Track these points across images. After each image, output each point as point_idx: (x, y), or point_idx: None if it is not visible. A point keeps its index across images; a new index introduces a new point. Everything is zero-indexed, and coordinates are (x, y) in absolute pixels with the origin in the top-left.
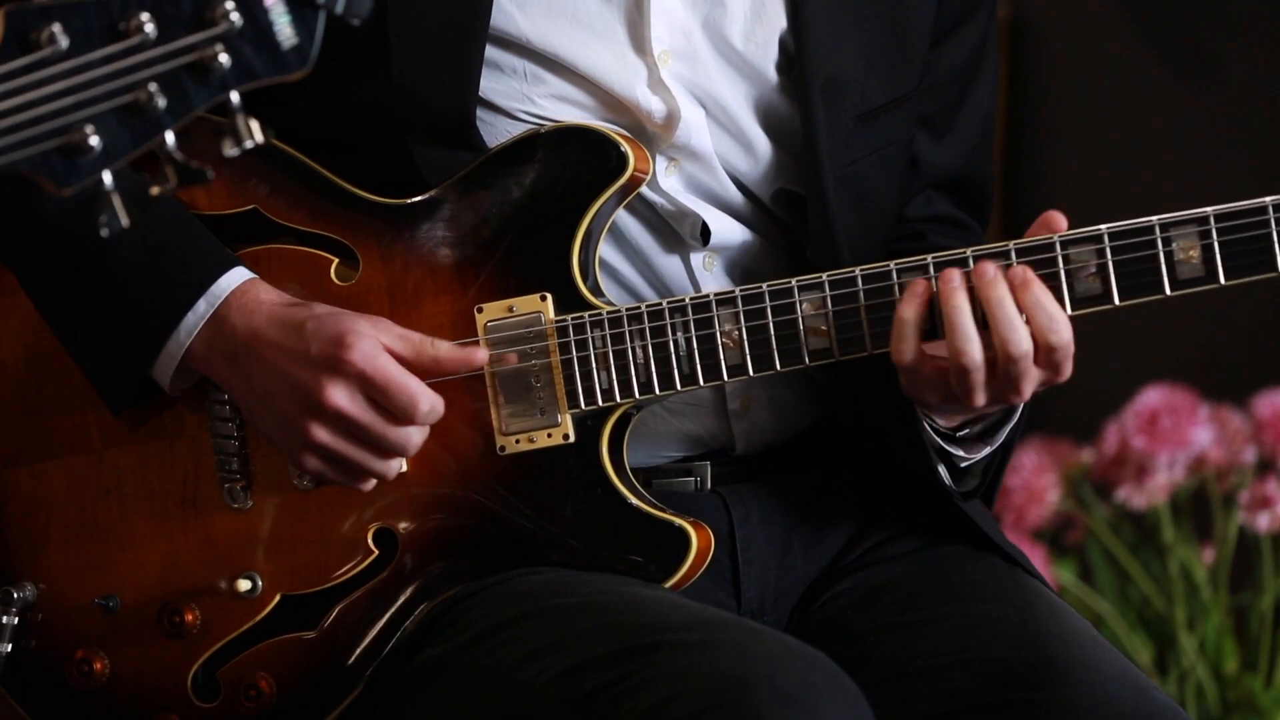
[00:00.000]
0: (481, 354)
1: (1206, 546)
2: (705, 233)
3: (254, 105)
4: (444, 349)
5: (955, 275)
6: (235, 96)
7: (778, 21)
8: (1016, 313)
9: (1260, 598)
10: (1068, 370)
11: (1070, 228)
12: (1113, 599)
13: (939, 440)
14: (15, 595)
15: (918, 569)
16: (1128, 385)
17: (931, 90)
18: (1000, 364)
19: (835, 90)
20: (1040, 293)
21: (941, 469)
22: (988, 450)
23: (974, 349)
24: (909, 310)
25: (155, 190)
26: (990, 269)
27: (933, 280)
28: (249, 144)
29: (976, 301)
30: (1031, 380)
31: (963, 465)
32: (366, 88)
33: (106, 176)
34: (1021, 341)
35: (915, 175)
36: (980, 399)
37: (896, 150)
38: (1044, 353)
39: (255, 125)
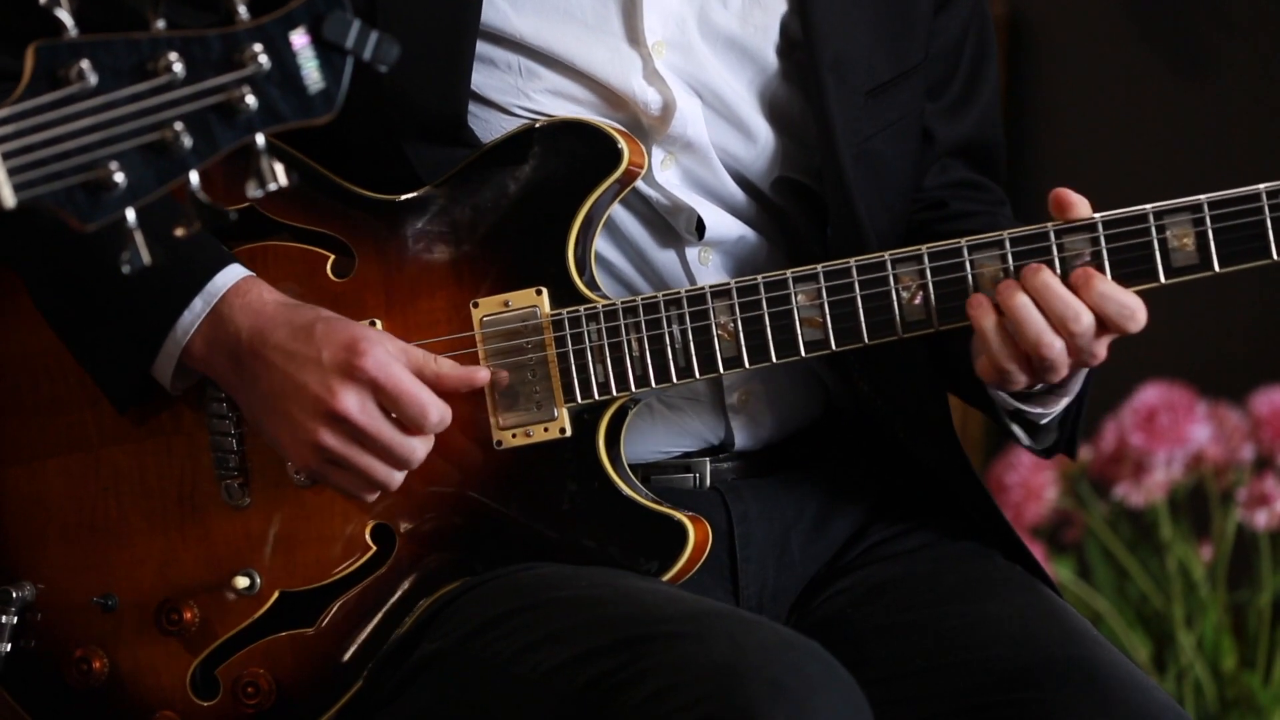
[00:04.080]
0: (483, 374)
1: (1204, 544)
2: (700, 227)
3: None
4: (446, 366)
5: (1010, 282)
6: (261, 139)
7: (777, 5)
8: (1067, 291)
9: (1258, 595)
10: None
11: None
12: (1111, 597)
13: (1012, 402)
14: (14, 595)
15: (917, 568)
16: (1125, 383)
17: (934, 61)
18: (1070, 341)
19: (844, 67)
20: (1102, 284)
21: (1017, 430)
22: (1066, 401)
23: (1051, 337)
24: (989, 319)
25: (180, 231)
26: (1032, 265)
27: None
28: (272, 186)
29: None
30: (1103, 344)
31: (1042, 422)
32: (356, 88)
33: (130, 214)
34: (1080, 317)
35: (929, 146)
36: (1064, 373)
37: (908, 124)
38: (1116, 333)
39: (279, 167)
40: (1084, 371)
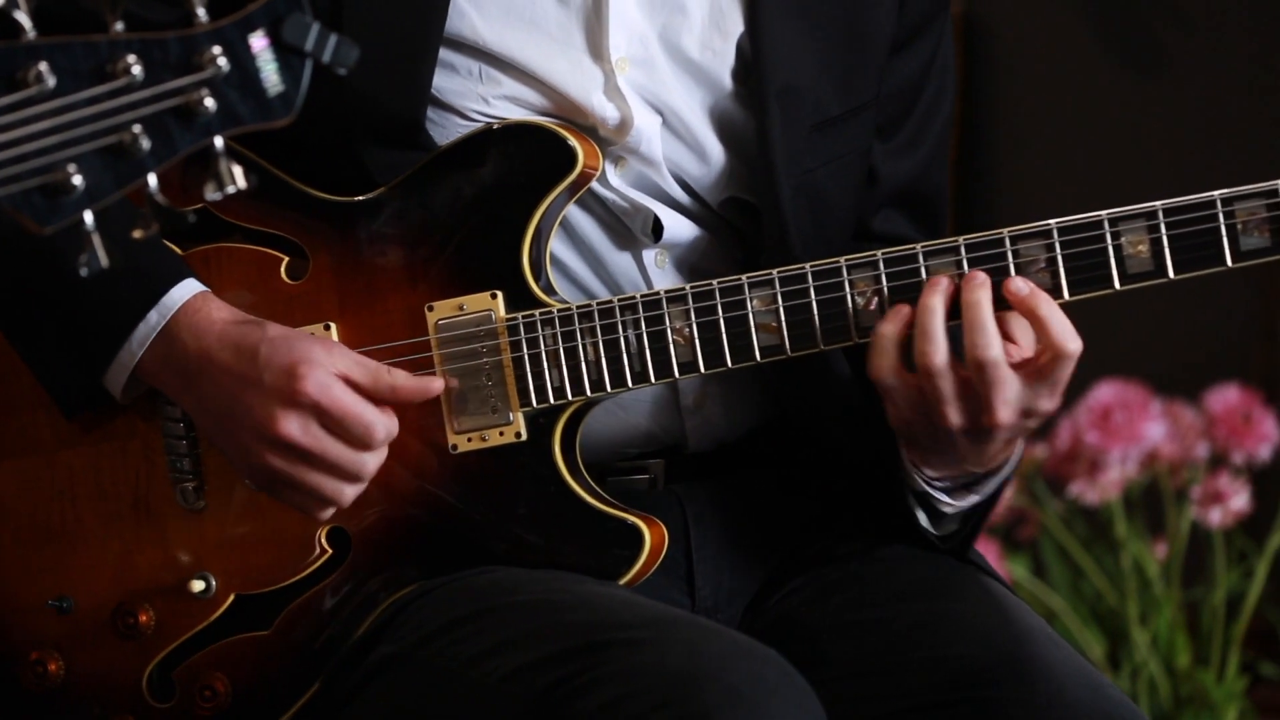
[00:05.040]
0: (438, 383)
1: (1159, 541)
2: (657, 229)
3: None
4: (401, 378)
5: (940, 280)
6: (219, 141)
7: (735, 29)
8: (992, 320)
9: (1212, 593)
10: (1059, 394)
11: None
12: (1065, 594)
13: (921, 484)
14: None
15: (872, 567)
16: (1080, 381)
17: (886, 101)
18: (975, 374)
19: (791, 98)
20: (1049, 304)
21: (920, 514)
22: (973, 499)
23: (937, 350)
24: (889, 327)
25: (137, 234)
26: (979, 275)
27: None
28: (231, 189)
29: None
30: (1006, 398)
31: (946, 510)
32: (316, 88)
33: (88, 216)
34: (990, 346)
35: (873, 187)
36: (953, 414)
37: (853, 160)
38: (1052, 362)
39: (238, 170)
40: (1002, 474)
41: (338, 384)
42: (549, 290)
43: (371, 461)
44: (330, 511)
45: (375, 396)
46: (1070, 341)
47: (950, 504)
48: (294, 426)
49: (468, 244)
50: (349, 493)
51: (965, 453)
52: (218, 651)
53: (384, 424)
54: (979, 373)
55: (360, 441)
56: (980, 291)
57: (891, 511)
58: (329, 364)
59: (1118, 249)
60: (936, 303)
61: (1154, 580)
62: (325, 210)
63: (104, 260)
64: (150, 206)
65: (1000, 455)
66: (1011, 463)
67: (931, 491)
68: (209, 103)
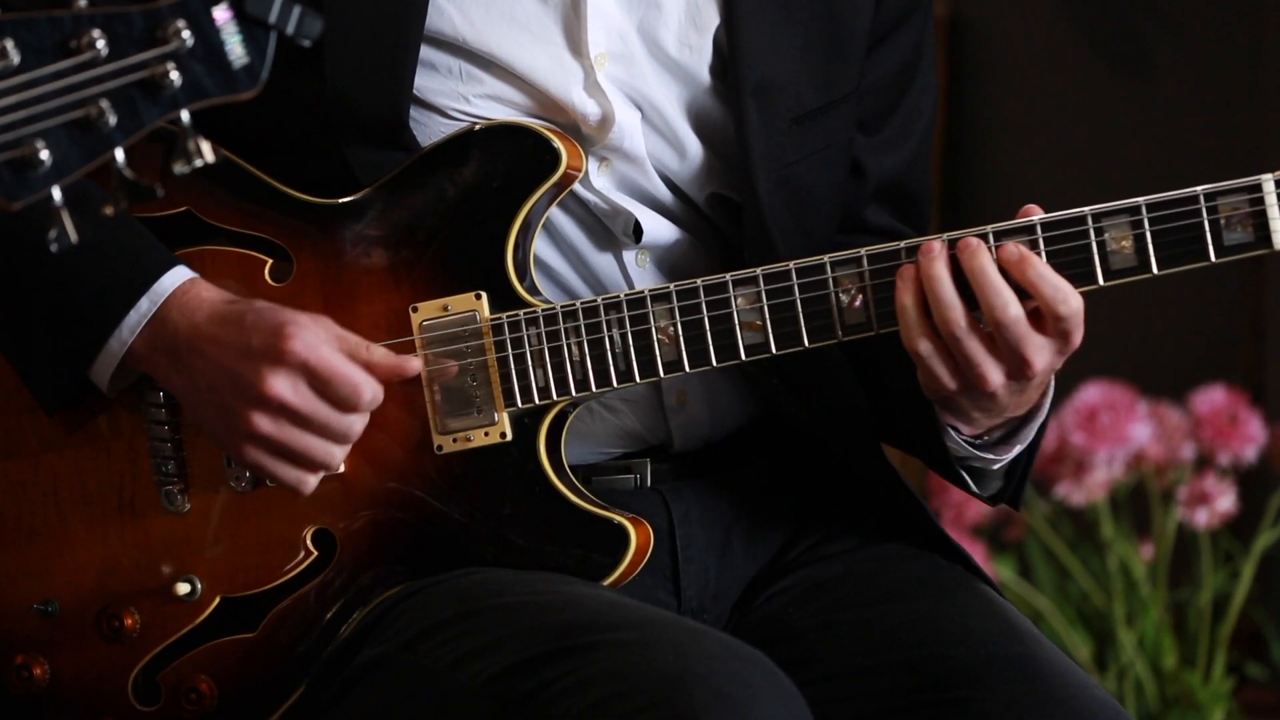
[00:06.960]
0: (415, 363)
1: (1145, 543)
2: (638, 230)
3: None
4: (379, 354)
5: (934, 247)
6: (185, 115)
7: (711, 23)
8: (1000, 279)
9: (1198, 594)
10: (1078, 338)
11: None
12: (1052, 595)
13: (964, 448)
14: None
15: (858, 566)
16: (1066, 382)
17: (869, 95)
18: (997, 334)
19: (768, 92)
20: (1041, 266)
21: (965, 476)
22: (1018, 449)
23: (957, 314)
24: (908, 297)
25: (108, 209)
26: (973, 241)
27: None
28: (198, 163)
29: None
30: (1037, 348)
31: (994, 468)
32: (299, 88)
33: (56, 192)
34: (1009, 306)
35: (859, 178)
36: (992, 372)
37: (835, 153)
38: (1052, 322)
39: (205, 144)
40: (1037, 421)
41: (325, 344)
42: (533, 290)
43: (359, 423)
44: (317, 479)
45: None
46: (1060, 304)
47: (994, 458)
48: (284, 386)
49: (452, 245)
50: (338, 455)
51: (1006, 402)
52: (203, 654)
53: (370, 386)
54: (1001, 332)
55: (347, 403)
56: (980, 256)
57: (882, 509)
58: (315, 326)
59: (1101, 245)
60: (941, 270)
61: (1140, 581)
62: (309, 212)
63: (73, 236)
64: (117, 181)
65: (1035, 393)
66: (1047, 403)
67: (975, 453)
68: (174, 76)
